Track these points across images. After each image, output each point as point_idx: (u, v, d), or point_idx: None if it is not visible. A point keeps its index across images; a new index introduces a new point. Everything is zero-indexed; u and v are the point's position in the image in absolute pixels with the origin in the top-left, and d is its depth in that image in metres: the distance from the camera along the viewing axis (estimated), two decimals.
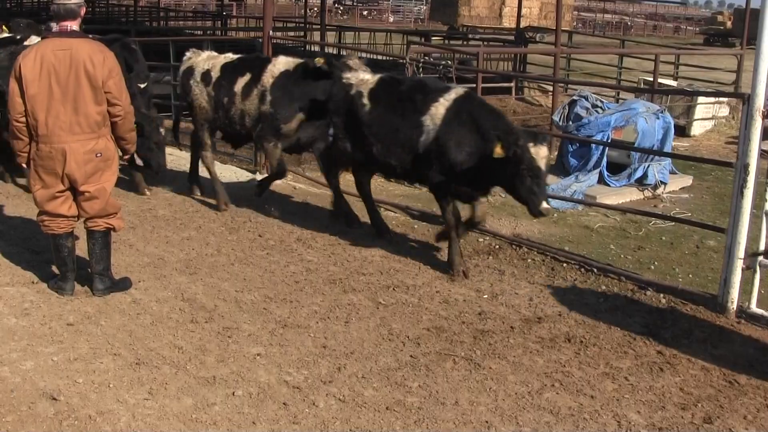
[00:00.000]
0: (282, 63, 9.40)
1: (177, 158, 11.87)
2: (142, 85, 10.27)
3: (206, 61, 9.85)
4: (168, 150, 11.51)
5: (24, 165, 6.74)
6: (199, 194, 10.08)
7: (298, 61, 9.44)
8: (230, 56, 9.87)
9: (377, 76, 8.53)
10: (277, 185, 10.74)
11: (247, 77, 9.38)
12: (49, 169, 6.48)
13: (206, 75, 9.66)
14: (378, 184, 11.70)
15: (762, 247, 6.87)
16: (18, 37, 10.79)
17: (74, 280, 6.86)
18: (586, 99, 12.27)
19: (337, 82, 8.67)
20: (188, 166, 10.44)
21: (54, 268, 7.08)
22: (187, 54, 10.12)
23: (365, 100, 8.29)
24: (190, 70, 9.84)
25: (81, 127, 6.42)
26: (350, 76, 8.60)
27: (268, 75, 9.25)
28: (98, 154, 6.53)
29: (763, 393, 5.64)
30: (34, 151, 6.51)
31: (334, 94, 8.65)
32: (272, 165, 9.74)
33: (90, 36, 7.08)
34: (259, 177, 11.11)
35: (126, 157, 7.47)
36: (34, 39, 10.20)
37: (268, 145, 9.34)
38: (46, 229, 6.72)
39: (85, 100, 6.38)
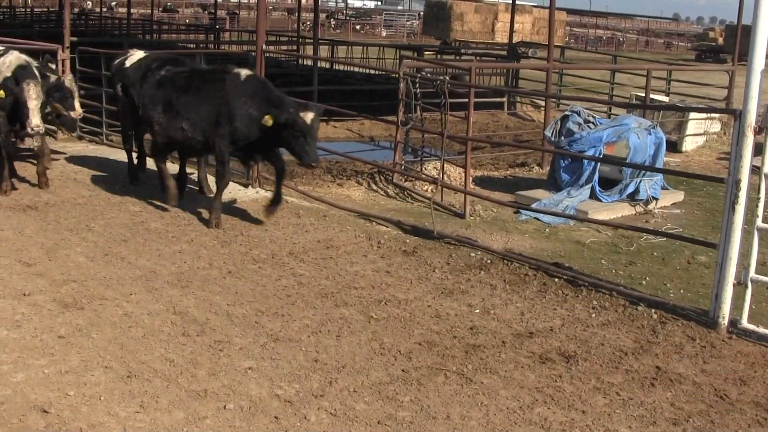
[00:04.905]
0: None
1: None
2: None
3: None
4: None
5: None
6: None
7: None
8: None
9: None
10: (269, 199, 10.74)
11: None
12: None
13: None
14: (370, 198, 11.73)
15: (753, 263, 6.89)
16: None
17: None
18: (579, 114, 12.29)
19: None
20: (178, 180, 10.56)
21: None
22: None
23: None
24: None
25: None
26: None
27: None
28: None
29: (753, 408, 5.65)
30: None
31: None
32: None
33: None
34: (251, 191, 11.12)
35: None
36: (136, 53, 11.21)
37: None
38: None
39: None
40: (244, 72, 9.70)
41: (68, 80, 11.05)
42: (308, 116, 8.94)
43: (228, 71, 9.71)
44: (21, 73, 10.18)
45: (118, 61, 11.32)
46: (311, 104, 9.78)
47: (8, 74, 10.17)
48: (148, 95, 9.97)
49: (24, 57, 10.62)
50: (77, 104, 10.97)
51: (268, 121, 8.98)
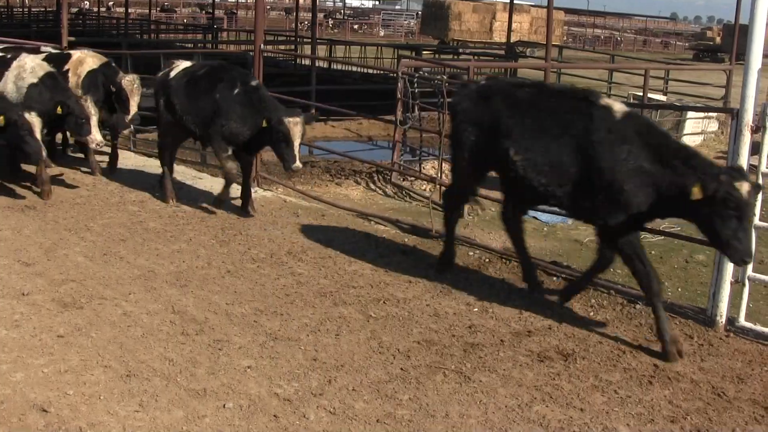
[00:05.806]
0: None
1: None
2: None
3: None
4: (159, 163, 11.55)
5: None
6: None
7: None
8: None
9: None
10: (268, 198, 10.77)
11: None
12: None
13: None
14: (368, 197, 11.75)
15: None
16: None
17: None
18: None
19: None
20: (183, 179, 10.53)
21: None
22: None
23: None
24: None
25: None
26: None
27: None
28: None
29: (751, 406, 5.67)
30: None
31: None
32: None
33: None
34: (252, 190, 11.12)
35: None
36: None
37: None
38: None
39: None
40: (619, 106, 6.85)
41: (126, 80, 10.78)
42: (744, 187, 5.92)
43: (595, 102, 6.89)
44: (50, 83, 10.07)
45: (162, 73, 10.66)
46: (738, 169, 6.31)
47: (34, 80, 10.01)
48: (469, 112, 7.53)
49: (45, 63, 10.50)
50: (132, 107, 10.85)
51: (696, 194, 5.97)
